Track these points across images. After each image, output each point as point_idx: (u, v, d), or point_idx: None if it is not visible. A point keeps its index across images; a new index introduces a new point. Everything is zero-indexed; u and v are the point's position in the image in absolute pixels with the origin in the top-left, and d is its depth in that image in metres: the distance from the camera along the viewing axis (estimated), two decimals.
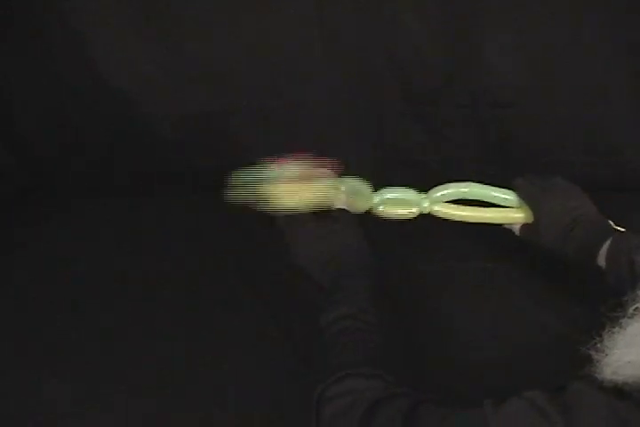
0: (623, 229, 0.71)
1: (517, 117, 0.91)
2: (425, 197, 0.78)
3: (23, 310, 0.86)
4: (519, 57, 0.84)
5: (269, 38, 0.86)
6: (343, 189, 0.75)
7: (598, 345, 0.48)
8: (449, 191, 0.79)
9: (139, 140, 1.00)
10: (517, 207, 0.78)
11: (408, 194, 0.78)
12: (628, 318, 0.47)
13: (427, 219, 0.79)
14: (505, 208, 0.78)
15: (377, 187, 0.79)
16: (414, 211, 0.78)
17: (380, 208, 0.77)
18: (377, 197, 0.78)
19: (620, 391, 0.44)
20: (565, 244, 0.71)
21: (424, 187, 0.80)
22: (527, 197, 0.76)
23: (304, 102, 0.93)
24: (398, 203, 0.78)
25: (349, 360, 0.56)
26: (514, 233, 0.79)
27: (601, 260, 0.67)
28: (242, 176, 0.71)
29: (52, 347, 0.79)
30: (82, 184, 1.10)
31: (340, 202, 0.74)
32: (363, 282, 0.66)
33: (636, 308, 0.47)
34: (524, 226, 0.77)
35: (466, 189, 0.79)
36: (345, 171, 1.01)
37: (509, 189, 0.79)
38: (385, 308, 0.64)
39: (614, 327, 0.48)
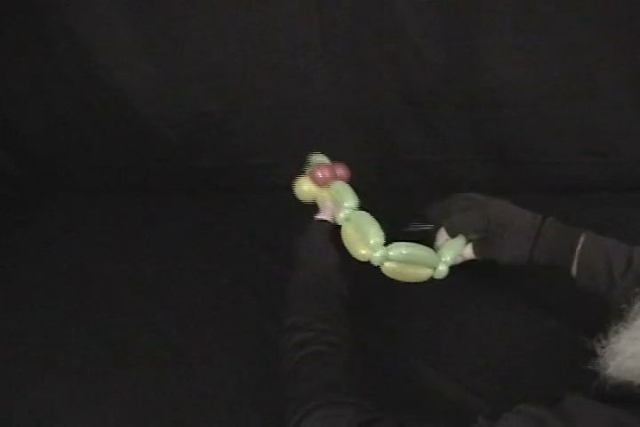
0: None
1: (517, 117, 0.91)
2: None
3: (23, 310, 0.86)
4: (519, 57, 0.84)
5: (269, 39, 0.86)
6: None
7: (603, 341, 0.48)
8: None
9: (138, 140, 1.00)
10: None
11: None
12: (636, 313, 0.47)
13: None
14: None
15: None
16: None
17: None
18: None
19: (616, 399, 0.43)
20: (533, 251, 0.64)
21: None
22: (469, 225, 0.68)
23: (304, 102, 0.93)
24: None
25: (315, 389, 0.53)
26: None
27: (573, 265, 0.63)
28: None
29: (52, 347, 0.79)
30: (82, 184, 1.10)
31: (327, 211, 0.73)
32: (331, 298, 0.64)
33: None
34: (477, 245, 0.70)
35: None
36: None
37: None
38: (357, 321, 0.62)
39: (619, 323, 0.48)
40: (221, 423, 0.68)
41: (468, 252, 0.71)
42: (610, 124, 0.91)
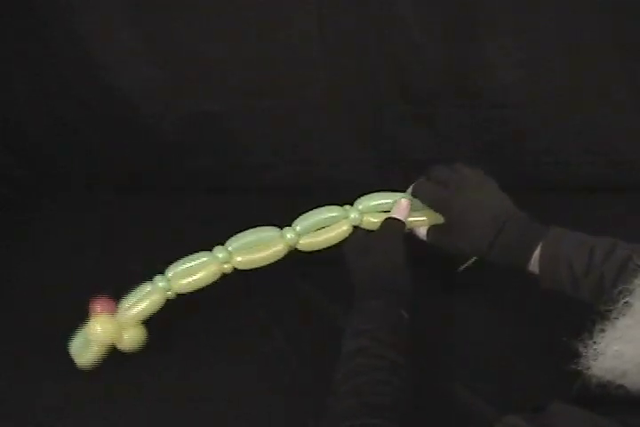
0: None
1: (517, 117, 0.91)
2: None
3: (23, 310, 0.86)
4: (519, 57, 0.84)
5: (269, 39, 0.86)
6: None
7: (587, 341, 0.48)
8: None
9: (138, 140, 1.00)
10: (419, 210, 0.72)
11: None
12: (618, 312, 0.47)
13: None
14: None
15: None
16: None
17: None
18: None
19: (599, 400, 0.43)
20: (491, 249, 0.64)
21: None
22: (433, 198, 0.69)
23: (304, 102, 0.93)
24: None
25: (355, 408, 0.53)
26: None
27: (534, 265, 0.63)
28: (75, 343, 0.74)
29: (53, 347, 0.79)
30: (81, 184, 1.10)
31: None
32: (394, 307, 0.62)
33: (626, 302, 0.47)
34: (433, 229, 0.71)
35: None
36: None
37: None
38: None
39: (604, 323, 0.48)
40: (222, 423, 0.69)
41: (422, 233, 0.72)
42: (610, 124, 0.91)
